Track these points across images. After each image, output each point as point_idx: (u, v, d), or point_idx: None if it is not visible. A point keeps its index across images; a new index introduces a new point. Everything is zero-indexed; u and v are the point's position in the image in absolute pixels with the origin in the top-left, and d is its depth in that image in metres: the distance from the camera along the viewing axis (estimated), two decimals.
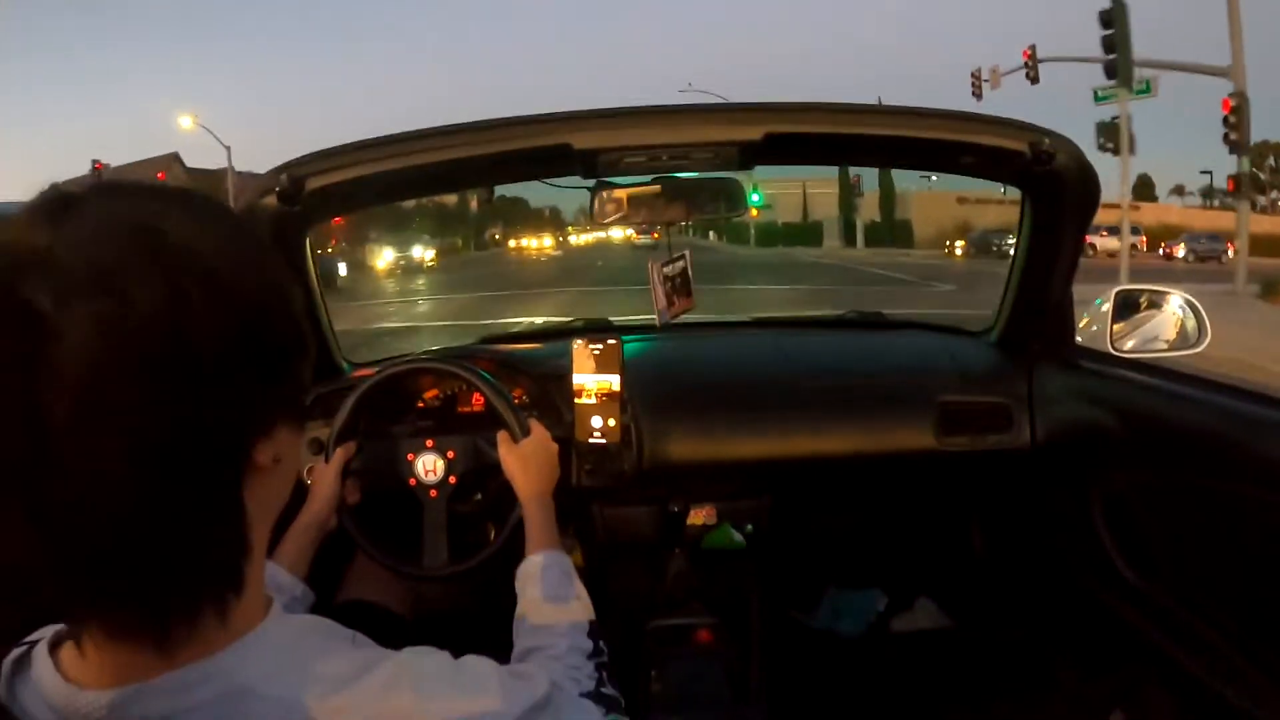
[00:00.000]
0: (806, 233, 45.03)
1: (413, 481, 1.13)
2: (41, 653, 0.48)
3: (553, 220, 74.61)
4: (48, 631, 0.50)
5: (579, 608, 0.88)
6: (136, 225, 0.43)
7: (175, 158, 37.66)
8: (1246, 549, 1.03)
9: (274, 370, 0.48)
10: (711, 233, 52.89)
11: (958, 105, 1.33)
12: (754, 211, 27.90)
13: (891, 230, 39.01)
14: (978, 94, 18.86)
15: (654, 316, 1.34)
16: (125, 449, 0.40)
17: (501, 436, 1.08)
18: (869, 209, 39.91)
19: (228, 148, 25.31)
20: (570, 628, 0.84)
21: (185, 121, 26.37)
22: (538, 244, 49.71)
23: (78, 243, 0.41)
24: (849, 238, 39.51)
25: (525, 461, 1.05)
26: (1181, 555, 1.15)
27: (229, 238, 0.47)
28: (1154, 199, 60.43)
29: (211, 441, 0.44)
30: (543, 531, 0.98)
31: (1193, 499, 1.11)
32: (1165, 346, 1.37)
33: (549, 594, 0.89)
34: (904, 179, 43.88)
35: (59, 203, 0.43)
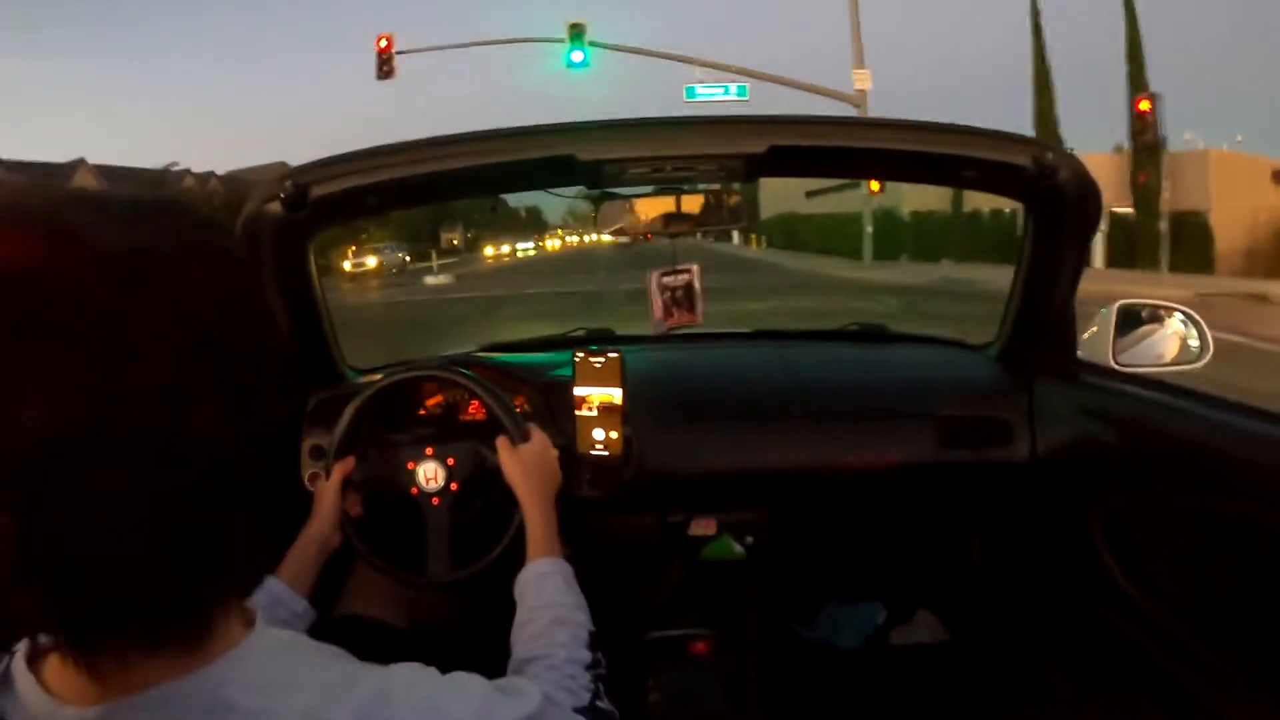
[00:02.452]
0: (974, 233, 19.46)
1: (414, 490, 1.13)
2: (21, 665, 0.48)
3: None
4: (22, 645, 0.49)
5: (579, 617, 0.88)
6: (132, 255, 0.43)
7: (82, 163, 30.98)
8: (1246, 567, 1.03)
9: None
10: (737, 234, 30.26)
11: None
12: (874, 186, 15.14)
13: (1200, 235, 16.36)
14: None
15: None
16: (127, 466, 0.41)
17: (501, 442, 1.08)
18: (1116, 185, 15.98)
19: None
20: (569, 638, 0.84)
21: None
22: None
23: (72, 273, 0.41)
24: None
25: (526, 467, 1.05)
26: (1181, 572, 1.15)
27: (224, 270, 0.48)
28: None
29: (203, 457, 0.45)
30: (543, 538, 0.98)
31: (1193, 515, 1.11)
32: (1167, 362, 1.37)
33: (548, 602, 0.88)
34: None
35: (50, 226, 0.42)
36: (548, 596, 0.89)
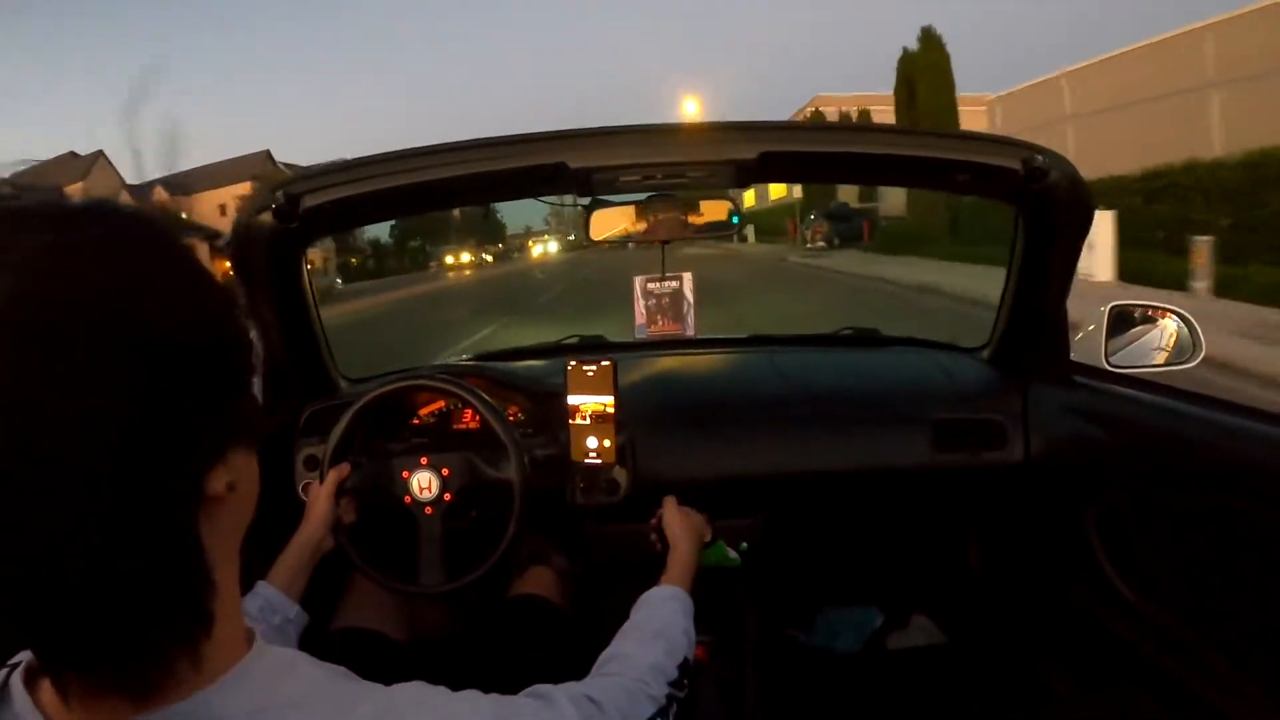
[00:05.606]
0: None
1: (408, 499, 1.13)
2: (19, 687, 0.46)
3: None
4: (25, 656, 0.48)
5: (682, 642, 0.89)
6: (53, 267, 0.39)
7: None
8: (1241, 564, 1.03)
9: (213, 403, 0.45)
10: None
11: None
12: None
13: None
14: None
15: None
16: (60, 494, 0.39)
17: (669, 500, 1.18)
18: None
19: None
20: (664, 653, 0.84)
21: None
22: None
23: None
24: None
25: (687, 522, 1.15)
26: (1176, 570, 1.15)
27: (158, 270, 0.44)
28: None
29: (155, 480, 0.41)
30: (681, 572, 1.04)
31: (1187, 514, 1.11)
32: (1160, 362, 1.37)
33: (660, 618, 0.90)
34: None
35: None
36: (663, 615, 0.91)
